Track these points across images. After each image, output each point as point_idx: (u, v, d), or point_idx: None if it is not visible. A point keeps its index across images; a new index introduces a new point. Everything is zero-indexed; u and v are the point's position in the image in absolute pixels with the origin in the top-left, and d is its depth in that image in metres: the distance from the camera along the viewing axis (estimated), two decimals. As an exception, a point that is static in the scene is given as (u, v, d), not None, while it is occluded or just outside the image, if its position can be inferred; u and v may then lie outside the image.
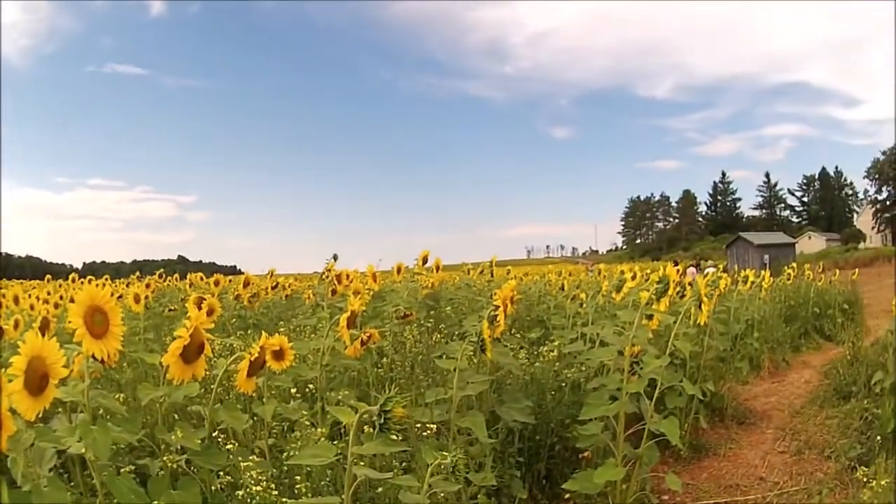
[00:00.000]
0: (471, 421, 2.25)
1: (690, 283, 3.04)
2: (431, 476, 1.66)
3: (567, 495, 2.72)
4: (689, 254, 50.45)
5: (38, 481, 1.59)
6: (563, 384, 3.26)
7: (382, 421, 1.54)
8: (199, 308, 3.38)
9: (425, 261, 4.75)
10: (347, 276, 4.31)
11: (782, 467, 3.88)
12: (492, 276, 6.08)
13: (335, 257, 4.29)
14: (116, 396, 1.95)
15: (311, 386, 2.49)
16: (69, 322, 1.61)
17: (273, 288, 5.76)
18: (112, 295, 1.67)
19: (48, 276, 9.83)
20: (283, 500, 1.69)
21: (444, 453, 1.71)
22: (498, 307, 2.24)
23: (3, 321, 2.88)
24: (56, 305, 4.84)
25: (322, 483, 1.98)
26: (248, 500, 1.67)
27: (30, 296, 4.97)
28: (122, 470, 1.73)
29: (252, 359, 1.98)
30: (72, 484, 1.92)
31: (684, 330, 2.73)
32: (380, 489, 1.97)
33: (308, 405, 2.31)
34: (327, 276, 4.29)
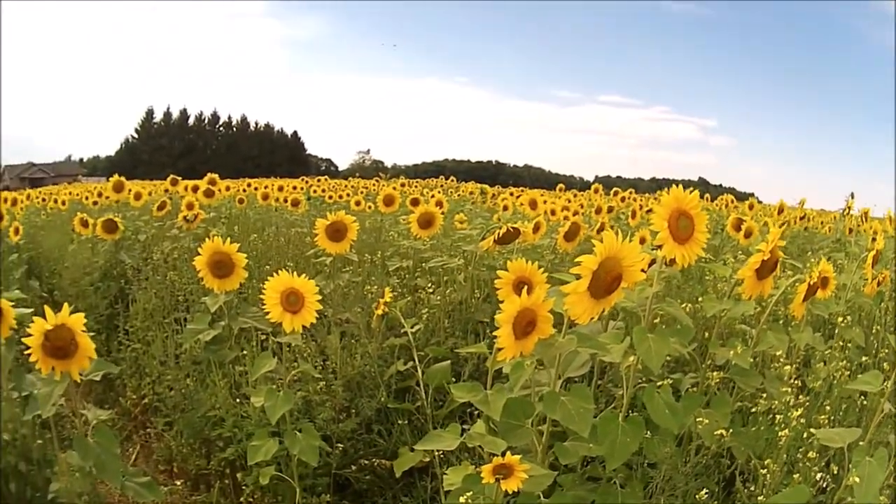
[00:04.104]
0: None
1: None
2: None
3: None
4: None
5: (551, 390, 1.51)
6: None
7: None
8: (738, 229, 3.37)
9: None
10: (867, 215, 4.35)
11: None
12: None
13: (852, 195, 4.41)
14: (683, 306, 1.97)
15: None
16: (651, 224, 1.55)
17: (801, 218, 5.72)
18: (699, 201, 1.61)
19: (560, 186, 9.42)
20: (810, 429, 1.64)
21: None
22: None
23: (521, 224, 2.75)
24: (575, 213, 4.78)
25: (840, 414, 1.95)
26: (781, 427, 1.63)
27: (545, 202, 4.98)
28: (659, 384, 1.65)
29: (811, 283, 1.91)
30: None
31: None
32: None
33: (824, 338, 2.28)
34: (847, 213, 4.45)
